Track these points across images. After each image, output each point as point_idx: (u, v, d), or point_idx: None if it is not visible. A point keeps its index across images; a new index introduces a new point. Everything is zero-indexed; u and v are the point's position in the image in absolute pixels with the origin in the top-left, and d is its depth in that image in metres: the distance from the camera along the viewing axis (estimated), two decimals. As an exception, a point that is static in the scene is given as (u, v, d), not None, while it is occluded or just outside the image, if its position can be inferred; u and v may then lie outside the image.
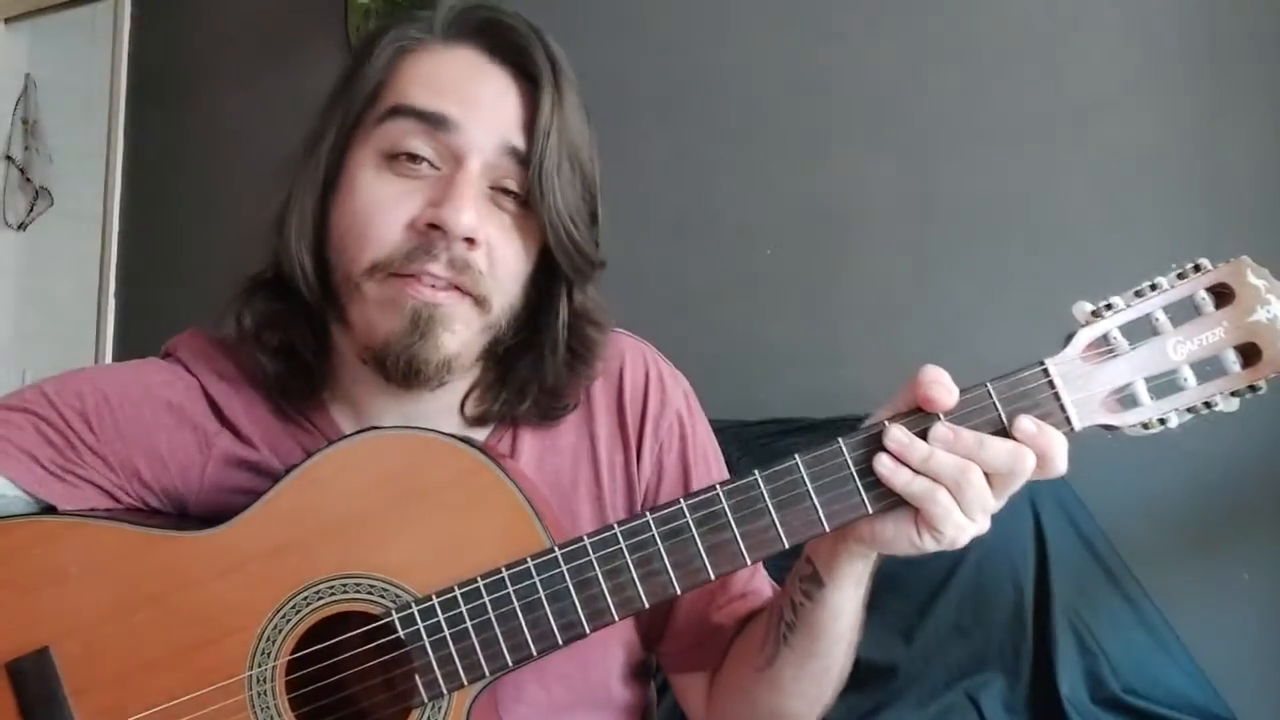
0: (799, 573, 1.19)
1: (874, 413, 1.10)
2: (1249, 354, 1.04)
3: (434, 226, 1.15)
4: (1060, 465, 1.03)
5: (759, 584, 1.36)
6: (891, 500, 1.04)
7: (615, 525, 1.07)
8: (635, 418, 1.36)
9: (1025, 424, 1.03)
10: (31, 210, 4.64)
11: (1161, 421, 1.04)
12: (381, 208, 1.18)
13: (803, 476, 1.05)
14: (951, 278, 2.71)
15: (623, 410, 1.36)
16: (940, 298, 2.72)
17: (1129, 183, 2.55)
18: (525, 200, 1.20)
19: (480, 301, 1.19)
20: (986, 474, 1.02)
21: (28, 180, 4.63)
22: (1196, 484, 2.42)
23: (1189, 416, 1.05)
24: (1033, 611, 2.29)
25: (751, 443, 2.46)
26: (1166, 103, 2.54)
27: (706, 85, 3.10)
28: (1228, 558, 2.40)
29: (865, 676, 2.19)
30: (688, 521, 1.06)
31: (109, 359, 4.29)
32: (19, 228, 4.72)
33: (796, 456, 1.06)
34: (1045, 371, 1.04)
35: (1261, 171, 2.43)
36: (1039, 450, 1.02)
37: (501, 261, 1.20)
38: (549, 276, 1.27)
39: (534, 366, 1.29)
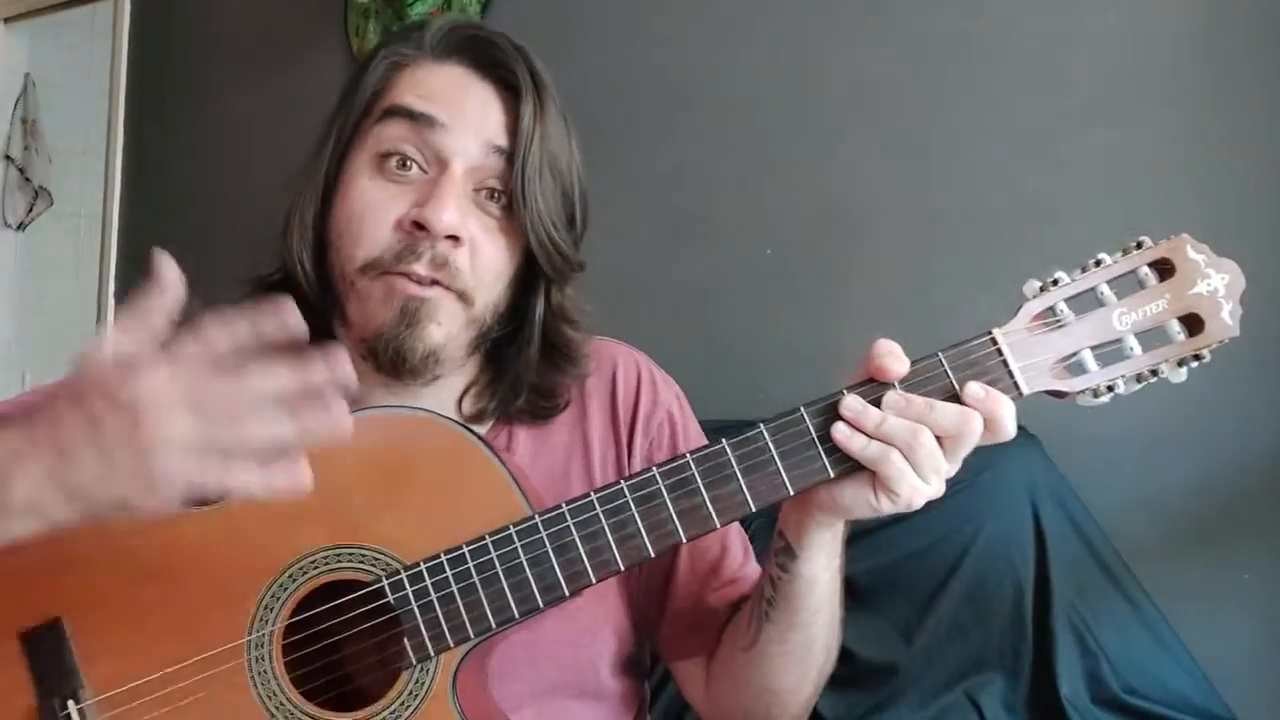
0: (774, 549, 1.24)
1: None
2: (1192, 324, 1.09)
3: (418, 225, 1.24)
4: (1009, 428, 1.09)
5: (750, 570, 1.41)
6: (851, 464, 1.09)
7: (592, 493, 1.13)
8: (627, 416, 1.43)
9: (974, 389, 1.09)
10: (31, 210, 4.65)
11: (1110, 388, 1.09)
12: (373, 209, 1.27)
13: (768, 443, 1.11)
14: (952, 278, 2.72)
15: (615, 409, 1.43)
16: (941, 298, 2.72)
17: (1130, 182, 2.56)
18: (508, 203, 1.29)
19: (463, 296, 1.28)
20: (938, 437, 1.08)
21: (27, 180, 4.64)
22: (1197, 484, 2.42)
23: (1137, 385, 1.10)
24: (1033, 611, 2.29)
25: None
26: (1167, 103, 2.54)
27: (706, 86, 3.11)
28: (1228, 558, 2.40)
29: (865, 676, 2.21)
30: (660, 488, 1.12)
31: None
32: (18, 228, 4.74)
33: (761, 424, 1.12)
34: (993, 340, 1.10)
35: (1261, 171, 2.44)
36: (986, 413, 1.08)
37: (483, 259, 1.28)
38: (533, 277, 1.36)
39: (518, 360, 1.37)
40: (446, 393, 1.37)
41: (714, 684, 1.41)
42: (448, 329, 1.27)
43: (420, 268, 1.24)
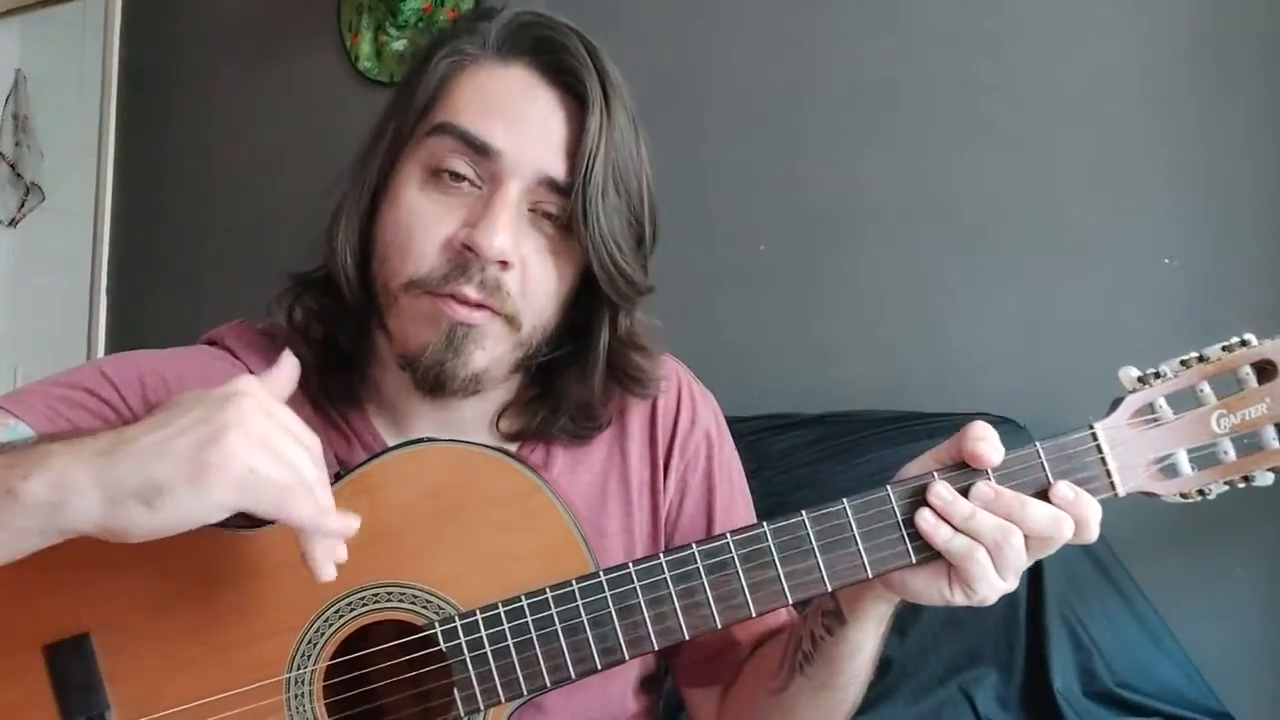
0: (821, 607, 1.21)
1: (918, 459, 1.11)
2: None
3: (468, 248, 1.18)
4: (1094, 533, 1.07)
5: (781, 617, 1.38)
6: (933, 552, 1.06)
7: (661, 555, 1.09)
8: (665, 435, 1.39)
9: (1063, 489, 1.06)
10: (22, 206, 4.59)
11: (1201, 493, 1.07)
12: (422, 224, 1.20)
13: (850, 521, 1.07)
14: (945, 274, 2.71)
15: (655, 427, 1.39)
16: (934, 294, 2.72)
17: (1123, 178, 2.55)
18: (566, 223, 1.21)
19: (510, 320, 1.21)
20: (1025, 536, 1.04)
21: (18, 176, 4.56)
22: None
23: (1225, 489, 1.09)
24: (1026, 606, 2.30)
25: (744, 438, 2.42)
26: (1161, 98, 2.53)
27: (698, 81, 3.06)
28: (1221, 552, 2.41)
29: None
30: (733, 557, 1.08)
31: (101, 355, 4.19)
32: (9, 224, 4.66)
33: (844, 501, 1.08)
34: (1094, 435, 1.07)
35: (1257, 166, 2.43)
36: (1076, 516, 1.05)
37: (535, 283, 1.22)
38: (593, 297, 1.29)
39: (573, 386, 1.32)
40: (487, 405, 1.33)
41: (729, 715, 1.39)
42: (492, 353, 1.22)
43: (470, 290, 1.18)
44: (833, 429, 2.55)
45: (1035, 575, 2.30)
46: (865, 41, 2.85)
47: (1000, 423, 2.12)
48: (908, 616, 2.28)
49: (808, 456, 2.49)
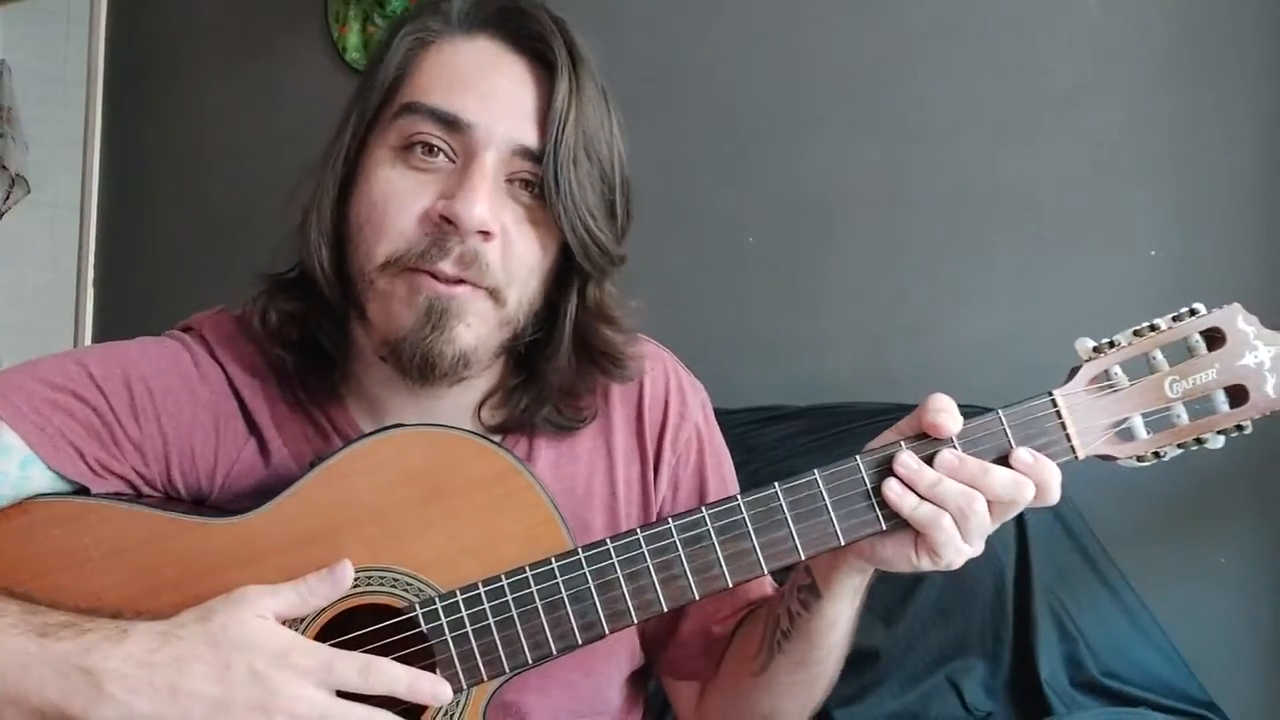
0: (796, 583, 1.22)
1: (884, 433, 1.14)
2: (1236, 395, 1.11)
3: (447, 220, 1.14)
4: (1055, 495, 1.08)
5: (764, 590, 1.38)
6: (903, 519, 1.08)
7: (638, 530, 1.10)
8: (654, 430, 1.37)
9: (1022, 454, 1.08)
10: (8, 199, 4.56)
11: (1156, 455, 1.11)
12: (397, 200, 1.17)
13: (821, 491, 1.10)
14: (933, 266, 2.73)
15: (641, 421, 1.36)
16: (921, 286, 2.74)
17: (1109, 169, 2.57)
18: (542, 192, 1.18)
19: (493, 294, 1.18)
20: (988, 501, 1.07)
21: (4, 168, 4.50)
22: (1174, 469, 2.42)
23: (1179, 451, 1.12)
24: (1013, 596, 2.31)
25: (733, 431, 2.42)
26: (1148, 90, 2.55)
27: (688, 74, 3.07)
28: (1205, 543, 2.44)
29: (847, 661, 2.21)
30: (709, 529, 1.10)
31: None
32: None
33: (815, 471, 1.11)
34: (1054, 402, 1.10)
35: (1240, 157, 2.46)
36: (1037, 480, 1.07)
37: (516, 254, 1.19)
38: (568, 274, 1.27)
39: (549, 365, 1.28)
40: (470, 394, 1.30)
41: (711, 699, 1.40)
42: (478, 331, 1.18)
43: (447, 265, 1.14)
44: (821, 421, 2.56)
45: (1022, 566, 2.32)
46: (853, 34, 2.88)
47: (987, 415, 2.13)
48: (895, 608, 2.31)
49: (795, 448, 2.50)
